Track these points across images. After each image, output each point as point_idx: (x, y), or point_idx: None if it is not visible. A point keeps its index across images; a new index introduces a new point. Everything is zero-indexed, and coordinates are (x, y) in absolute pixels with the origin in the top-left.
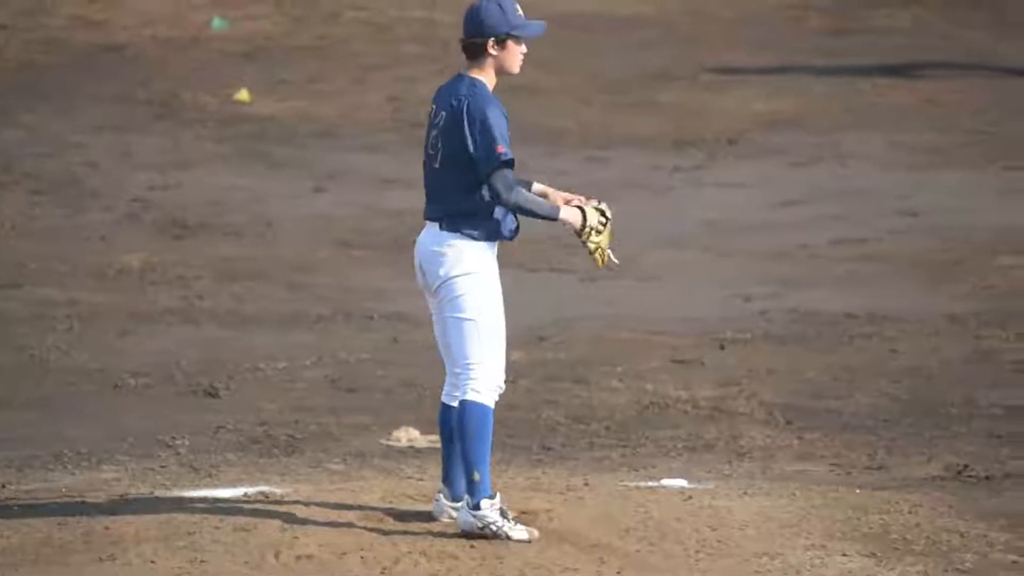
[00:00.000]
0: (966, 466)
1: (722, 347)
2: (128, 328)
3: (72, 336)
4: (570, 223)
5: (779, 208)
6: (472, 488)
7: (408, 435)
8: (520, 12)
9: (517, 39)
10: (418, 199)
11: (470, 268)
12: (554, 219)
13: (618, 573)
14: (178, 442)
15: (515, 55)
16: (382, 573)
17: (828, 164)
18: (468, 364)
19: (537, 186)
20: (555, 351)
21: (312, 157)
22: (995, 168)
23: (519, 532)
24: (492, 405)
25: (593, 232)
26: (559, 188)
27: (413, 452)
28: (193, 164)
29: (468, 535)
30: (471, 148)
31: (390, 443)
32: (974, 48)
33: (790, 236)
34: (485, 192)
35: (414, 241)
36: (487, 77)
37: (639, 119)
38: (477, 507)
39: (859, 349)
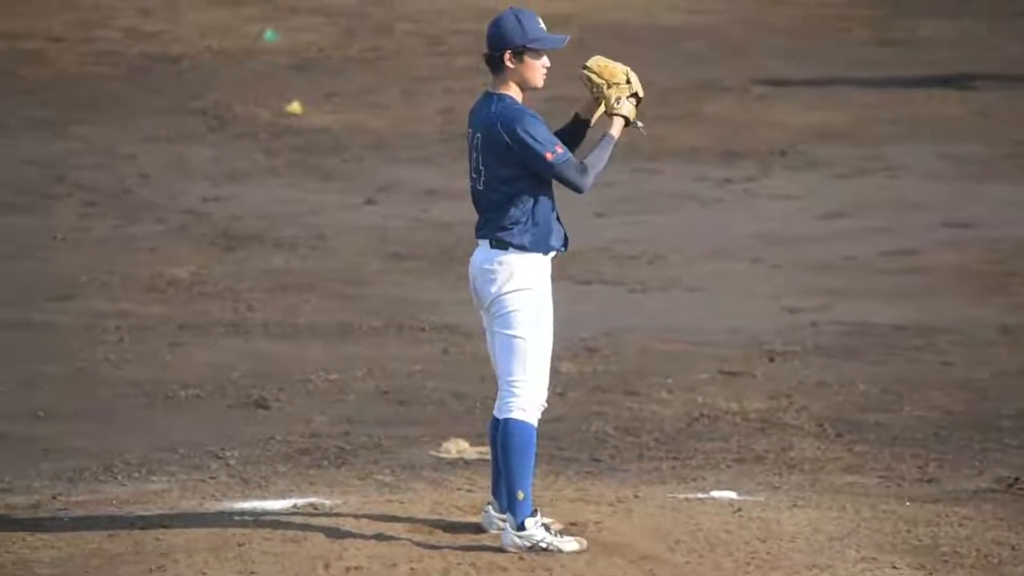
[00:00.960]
0: (1017, 479)
1: (771, 359)
2: (179, 340)
3: (122, 348)
4: (625, 122)
5: (828, 220)
6: (514, 507)
7: (458, 447)
8: (541, 25)
9: (536, 52)
10: (468, 211)
11: (521, 284)
12: (616, 142)
13: None
14: (228, 453)
15: (534, 69)
16: None
17: (876, 176)
18: (512, 382)
19: (572, 126)
20: (605, 362)
21: (363, 169)
22: None
23: (569, 544)
24: (535, 423)
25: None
26: (609, 201)
27: (463, 464)
28: (245, 176)
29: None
30: (528, 164)
31: (439, 455)
32: (1020, 59)
33: (839, 248)
34: (569, 190)
35: (469, 255)
36: (512, 91)
37: (688, 130)
38: (522, 527)
39: (909, 361)
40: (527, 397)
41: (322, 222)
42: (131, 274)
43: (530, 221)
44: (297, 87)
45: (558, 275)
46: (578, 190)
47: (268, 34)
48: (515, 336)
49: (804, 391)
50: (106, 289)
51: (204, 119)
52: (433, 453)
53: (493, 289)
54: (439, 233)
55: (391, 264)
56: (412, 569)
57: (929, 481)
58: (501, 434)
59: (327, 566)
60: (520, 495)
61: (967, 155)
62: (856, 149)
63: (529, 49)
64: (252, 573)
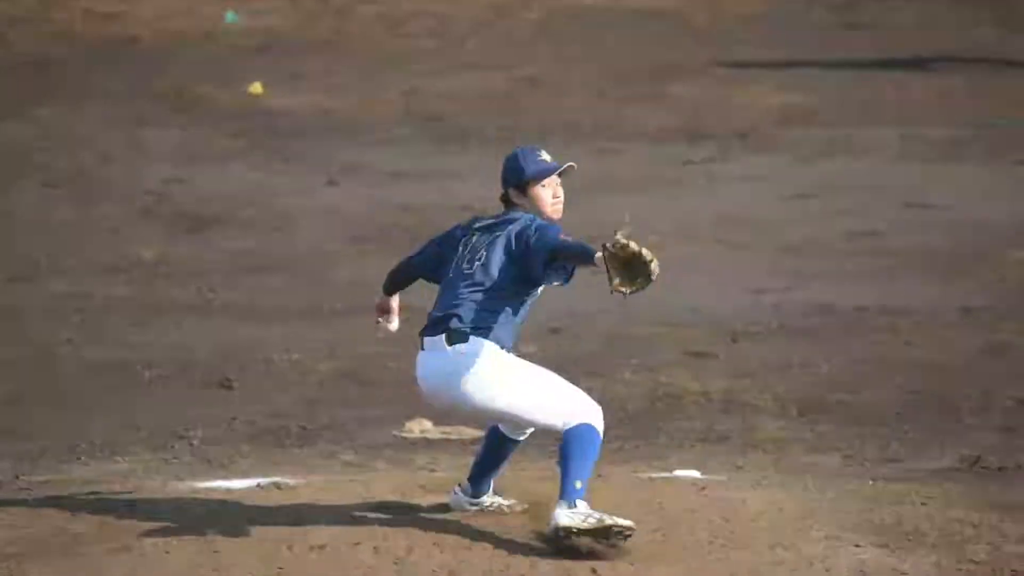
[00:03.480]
0: (979, 458)
1: (735, 340)
2: (141, 321)
3: (85, 329)
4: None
5: (791, 202)
6: (569, 492)
7: (421, 426)
8: (542, 157)
9: (538, 183)
10: (429, 193)
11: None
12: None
13: (631, 564)
14: (192, 434)
15: (540, 198)
16: (395, 564)
17: (840, 158)
18: (561, 416)
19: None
20: (569, 344)
21: (325, 151)
22: (1008, 162)
23: (621, 520)
24: (600, 426)
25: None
26: (571, 182)
27: (425, 443)
28: (206, 158)
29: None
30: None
31: (403, 434)
32: (982, 42)
33: (802, 229)
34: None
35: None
36: None
37: (652, 112)
38: (573, 504)
39: (872, 343)
40: (583, 415)
41: (284, 204)
42: (93, 256)
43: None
44: (258, 69)
45: None
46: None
47: (230, 16)
48: (525, 395)
49: (767, 372)
50: (68, 271)
51: (165, 101)
52: (396, 433)
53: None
54: (401, 215)
55: (353, 246)
56: (376, 548)
57: (892, 460)
58: (565, 436)
59: (291, 546)
60: (578, 484)
61: (930, 137)
62: (820, 131)
63: (531, 181)
64: (216, 552)
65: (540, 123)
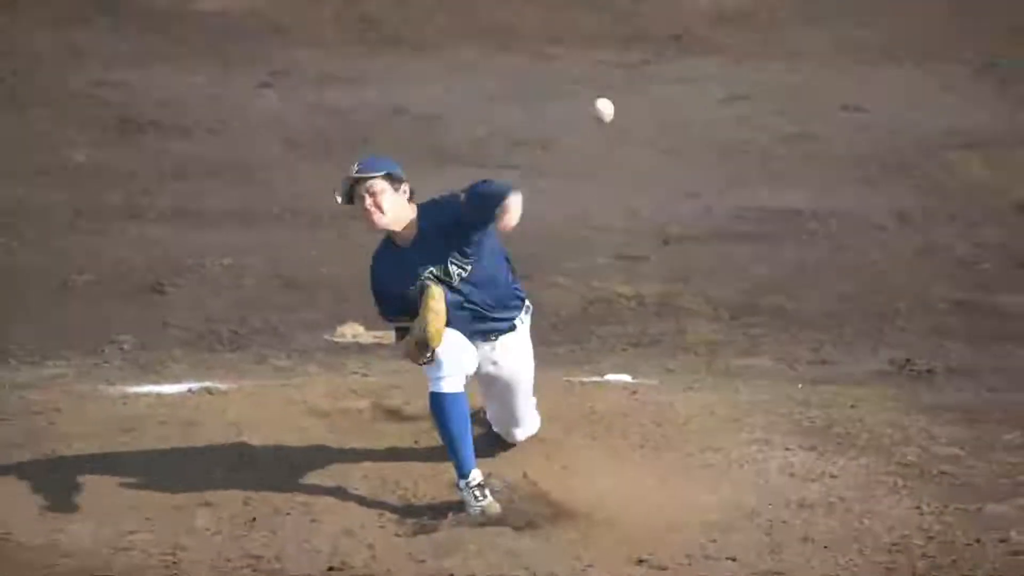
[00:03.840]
0: (908, 360)
1: (667, 243)
2: (74, 226)
3: (17, 234)
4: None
5: (725, 105)
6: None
7: (353, 330)
8: (351, 171)
9: (353, 197)
10: (364, 97)
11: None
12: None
13: (563, 468)
14: (123, 339)
15: (361, 211)
16: (325, 469)
17: (774, 60)
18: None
19: None
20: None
21: (261, 54)
22: (941, 64)
23: (478, 508)
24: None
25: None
26: (504, 87)
27: (357, 348)
28: (141, 61)
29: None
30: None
31: (335, 339)
32: None
33: (736, 132)
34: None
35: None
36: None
37: (584, 16)
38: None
39: (805, 245)
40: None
41: (220, 108)
42: (25, 160)
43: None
44: None
45: (450, 158)
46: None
47: None
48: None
49: (701, 275)
50: (3, 176)
51: (95, 2)
52: (328, 337)
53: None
54: (335, 119)
55: (288, 150)
56: (306, 453)
57: (823, 363)
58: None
59: (222, 448)
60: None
61: (865, 40)
62: (754, 33)
63: (348, 197)
64: (146, 456)
65: (476, 26)
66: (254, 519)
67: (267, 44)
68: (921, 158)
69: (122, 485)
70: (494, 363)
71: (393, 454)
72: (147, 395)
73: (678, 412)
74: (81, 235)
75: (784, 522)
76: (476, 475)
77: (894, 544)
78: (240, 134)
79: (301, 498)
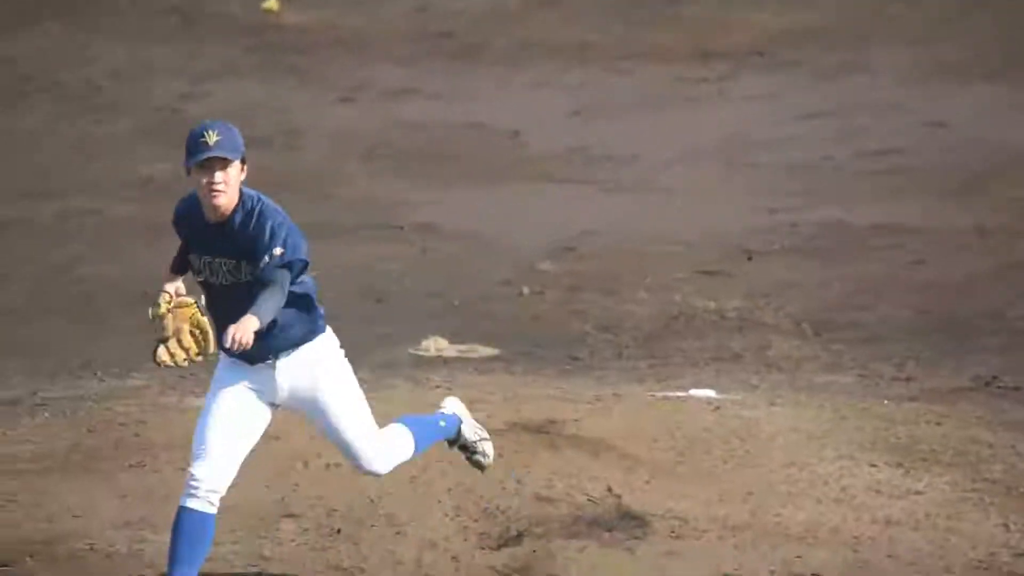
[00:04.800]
0: (994, 377)
1: (749, 258)
2: (152, 239)
3: (99, 247)
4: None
5: (805, 120)
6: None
7: (436, 344)
8: (205, 138)
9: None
10: (441, 111)
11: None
12: None
13: (646, 483)
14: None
15: (196, 184)
16: (411, 482)
17: (854, 76)
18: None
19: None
20: (582, 262)
21: (338, 67)
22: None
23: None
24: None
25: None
26: (583, 102)
27: (441, 361)
28: (219, 74)
29: None
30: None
31: (418, 352)
32: None
33: (816, 149)
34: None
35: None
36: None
37: (664, 32)
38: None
39: (886, 261)
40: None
41: (296, 120)
42: (105, 173)
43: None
44: None
45: (532, 174)
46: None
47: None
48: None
49: (781, 291)
50: (80, 188)
51: (177, 17)
52: (412, 351)
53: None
54: (413, 133)
55: (365, 163)
56: None
57: (906, 380)
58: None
59: (306, 463)
60: None
61: (947, 55)
62: (834, 49)
63: (189, 169)
64: None
65: (554, 42)
66: (338, 530)
67: (345, 59)
68: (1002, 174)
69: None
70: (277, 392)
71: (476, 468)
72: None
73: (762, 428)
74: (161, 247)
75: (870, 539)
76: None
77: (980, 561)
78: (317, 146)
79: (385, 510)
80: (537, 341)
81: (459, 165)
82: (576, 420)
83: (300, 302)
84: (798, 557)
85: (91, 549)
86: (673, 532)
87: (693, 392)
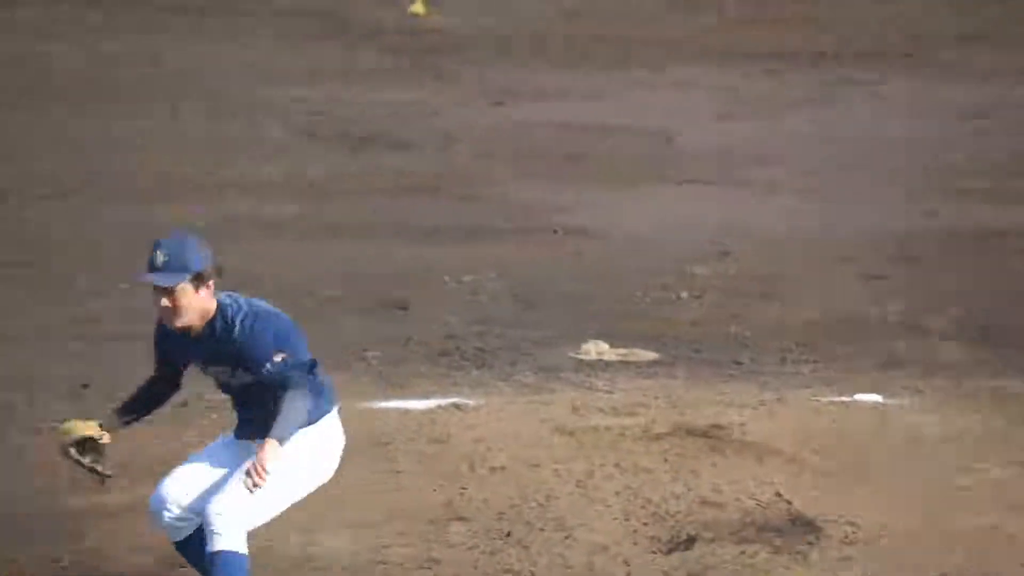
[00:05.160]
0: None
1: (910, 262)
2: (308, 242)
3: (256, 248)
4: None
5: (963, 122)
6: None
7: (597, 348)
8: (149, 259)
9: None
10: (590, 114)
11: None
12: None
13: (815, 487)
14: (369, 354)
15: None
16: (577, 486)
17: (1011, 78)
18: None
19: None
20: (738, 265)
21: (486, 70)
22: None
23: None
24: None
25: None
26: (731, 104)
27: (603, 365)
28: (368, 77)
29: None
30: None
31: (579, 356)
32: None
33: (974, 150)
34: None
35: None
36: None
37: (813, 33)
38: None
39: None
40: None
41: (445, 124)
42: (260, 174)
43: None
44: None
45: (684, 176)
46: None
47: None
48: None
49: (944, 294)
50: (237, 190)
51: (327, 20)
52: (573, 355)
53: None
54: (563, 136)
55: (516, 166)
56: (556, 470)
57: None
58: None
59: (472, 466)
60: None
61: None
62: (993, 51)
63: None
64: (398, 472)
65: (702, 43)
66: (508, 533)
67: (494, 62)
68: None
69: (375, 499)
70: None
71: (642, 471)
72: (395, 410)
73: (930, 433)
74: (318, 250)
75: None
76: None
77: None
78: (467, 149)
79: (553, 513)
80: (698, 345)
81: (608, 167)
82: (741, 425)
83: None
84: (973, 564)
85: (268, 549)
86: (846, 538)
87: (858, 397)
